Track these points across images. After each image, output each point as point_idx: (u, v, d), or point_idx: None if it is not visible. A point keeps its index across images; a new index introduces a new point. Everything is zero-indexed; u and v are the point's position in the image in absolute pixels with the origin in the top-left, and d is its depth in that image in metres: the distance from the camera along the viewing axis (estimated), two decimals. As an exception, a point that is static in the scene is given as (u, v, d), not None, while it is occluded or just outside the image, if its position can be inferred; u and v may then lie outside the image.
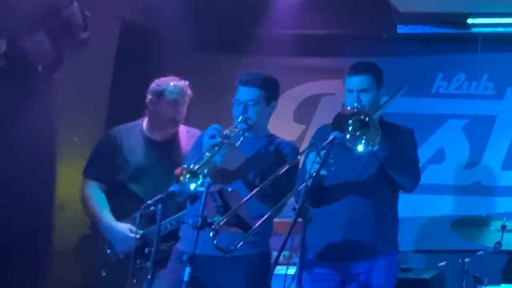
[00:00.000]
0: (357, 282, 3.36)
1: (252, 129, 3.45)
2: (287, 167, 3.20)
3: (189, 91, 3.94)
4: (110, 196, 3.90)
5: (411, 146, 3.46)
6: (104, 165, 3.89)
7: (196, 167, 3.22)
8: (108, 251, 3.84)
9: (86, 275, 3.95)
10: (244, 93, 3.45)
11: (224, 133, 3.36)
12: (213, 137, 3.32)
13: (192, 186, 3.21)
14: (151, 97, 3.92)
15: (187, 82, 3.95)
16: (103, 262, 3.82)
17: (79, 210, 4.02)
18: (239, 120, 3.42)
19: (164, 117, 3.91)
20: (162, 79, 3.95)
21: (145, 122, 3.99)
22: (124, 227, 3.79)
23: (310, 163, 3.14)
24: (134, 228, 3.75)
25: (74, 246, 3.99)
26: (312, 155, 3.15)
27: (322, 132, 3.51)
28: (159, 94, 3.89)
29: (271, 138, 3.55)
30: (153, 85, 3.93)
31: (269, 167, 3.33)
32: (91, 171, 3.93)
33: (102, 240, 3.84)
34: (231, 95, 3.55)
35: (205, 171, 3.23)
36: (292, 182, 3.34)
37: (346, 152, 3.21)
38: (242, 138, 3.39)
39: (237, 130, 3.40)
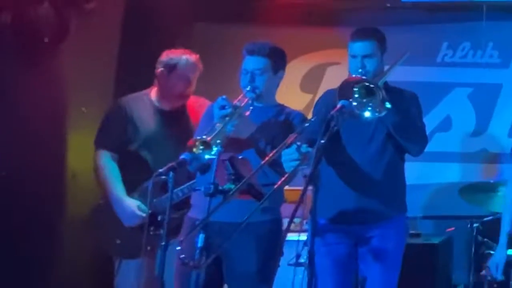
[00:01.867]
0: (368, 246, 3.38)
1: (260, 99, 3.45)
2: (294, 136, 3.18)
3: (200, 66, 3.92)
4: (122, 165, 3.89)
5: (417, 110, 3.47)
6: (115, 134, 3.88)
7: (209, 137, 3.22)
8: None
9: (101, 244, 3.96)
10: (251, 63, 3.45)
11: (234, 103, 3.35)
12: (223, 107, 3.32)
13: (207, 157, 3.21)
14: (162, 69, 3.88)
15: (198, 56, 3.93)
16: (117, 231, 3.82)
17: (91, 180, 4.02)
18: (247, 89, 3.42)
19: (174, 90, 3.89)
20: (174, 51, 3.91)
21: (153, 92, 3.97)
22: (133, 204, 3.79)
23: (287, 160, 3.11)
24: (142, 206, 3.75)
25: (88, 216, 4.00)
26: (291, 149, 3.11)
27: (326, 97, 3.52)
28: (172, 68, 3.86)
29: (281, 107, 3.55)
30: (164, 57, 3.90)
31: (280, 136, 3.34)
32: (102, 141, 3.92)
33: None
34: (236, 65, 3.55)
35: (218, 141, 3.23)
36: None
37: (354, 119, 3.20)
38: (251, 108, 3.38)
39: (246, 99, 3.39)
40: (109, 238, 3.86)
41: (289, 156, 3.12)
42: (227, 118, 3.29)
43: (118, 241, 3.83)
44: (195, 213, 3.46)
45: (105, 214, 3.86)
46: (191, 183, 3.71)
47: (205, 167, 3.35)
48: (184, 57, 3.88)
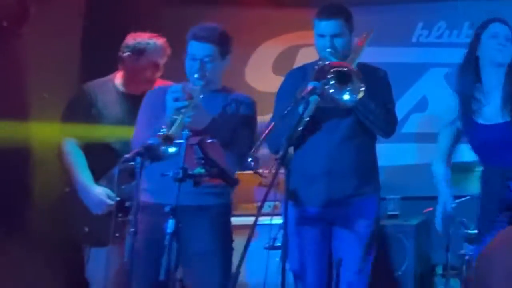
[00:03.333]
0: (342, 224, 3.34)
1: (208, 85, 3.37)
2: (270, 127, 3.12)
3: (168, 50, 3.83)
4: (89, 152, 3.79)
5: (387, 89, 3.42)
6: (80, 121, 3.77)
7: (170, 131, 3.12)
8: None
9: (70, 232, 3.86)
10: (200, 49, 3.36)
11: (188, 92, 3.26)
12: (177, 99, 3.23)
13: (171, 150, 3.11)
14: (129, 53, 3.78)
15: (165, 40, 3.84)
16: (85, 218, 3.73)
17: (56, 167, 3.91)
18: (195, 76, 3.33)
19: (142, 75, 3.79)
20: (140, 34, 3.81)
21: (118, 76, 3.87)
22: (101, 192, 3.70)
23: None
24: (111, 194, 3.66)
25: (54, 204, 3.92)
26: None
27: (292, 76, 3.46)
28: (140, 52, 3.76)
29: (228, 92, 3.48)
30: (131, 41, 3.79)
31: (232, 122, 3.31)
32: (67, 127, 3.80)
33: None
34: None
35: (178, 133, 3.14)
36: (250, 134, 3.36)
37: (334, 103, 3.15)
38: (202, 96, 3.29)
39: (197, 87, 3.30)
40: (78, 226, 3.77)
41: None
42: (183, 110, 3.19)
43: (86, 229, 3.74)
44: (156, 198, 3.35)
45: (72, 202, 3.77)
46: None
47: (155, 156, 3.26)
48: (152, 41, 3.79)
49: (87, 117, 3.77)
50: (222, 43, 3.40)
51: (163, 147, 3.09)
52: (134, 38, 3.80)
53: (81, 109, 3.78)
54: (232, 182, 3.29)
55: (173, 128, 3.13)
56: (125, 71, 3.83)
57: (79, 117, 3.78)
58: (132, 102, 3.81)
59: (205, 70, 3.35)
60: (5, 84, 3.93)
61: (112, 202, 3.64)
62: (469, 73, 3.31)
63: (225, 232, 3.39)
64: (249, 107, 3.44)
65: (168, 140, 3.11)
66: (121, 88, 3.85)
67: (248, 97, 3.51)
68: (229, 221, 3.45)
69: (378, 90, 3.32)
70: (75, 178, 3.74)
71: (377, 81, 3.37)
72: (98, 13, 4.59)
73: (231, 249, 3.33)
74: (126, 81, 3.84)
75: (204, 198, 3.29)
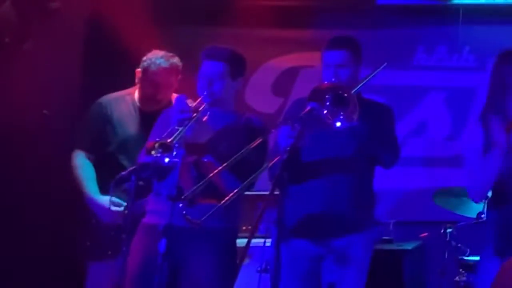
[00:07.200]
0: (335, 254, 3.28)
1: (218, 104, 3.36)
2: (260, 140, 3.14)
3: (176, 59, 3.79)
4: (99, 167, 3.78)
5: (390, 123, 3.38)
6: (92, 135, 3.77)
7: (169, 140, 3.13)
8: (93, 221, 3.75)
9: (73, 246, 3.85)
10: (209, 67, 3.36)
11: (193, 106, 3.27)
12: (182, 111, 3.24)
13: (166, 160, 3.12)
14: (139, 69, 3.80)
15: (176, 56, 3.82)
16: (88, 233, 3.73)
17: (61, 180, 3.90)
18: (204, 94, 3.33)
19: (159, 88, 3.75)
20: (155, 52, 3.81)
21: (136, 92, 3.89)
22: (106, 200, 3.65)
23: (283, 138, 3.07)
24: (116, 200, 3.62)
25: (59, 218, 3.94)
26: (285, 129, 3.06)
27: (297, 104, 3.41)
28: (147, 67, 3.76)
29: (239, 113, 3.47)
30: (144, 58, 3.79)
31: (239, 140, 3.26)
32: (78, 141, 3.81)
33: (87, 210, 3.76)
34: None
35: (177, 145, 3.13)
36: (261, 157, 3.29)
37: (325, 127, 3.11)
38: (208, 113, 3.30)
39: (204, 104, 3.30)
40: (81, 240, 3.76)
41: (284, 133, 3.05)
42: (186, 122, 3.19)
43: (88, 243, 3.73)
44: (153, 218, 3.32)
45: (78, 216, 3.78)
46: None
47: (161, 174, 3.25)
48: (164, 57, 3.77)
49: (100, 131, 3.76)
50: (233, 62, 3.38)
51: (158, 155, 3.08)
52: (147, 56, 3.80)
53: (95, 123, 3.78)
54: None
55: (172, 138, 3.12)
56: (141, 86, 3.82)
57: (91, 131, 3.78)
58: (146, 119, 3.74)
59: (213, 87, 3.34)
60: (6, 100, 3.94)
61: (118, 209, 3.60)
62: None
63: (229, 258, 3.28)
64: (261, 127, 3.38)
65: (164, 148, 3.10)
66: (138, 104, 3.84)
67: (258, 118, 3.46)
68: (234, 246, 3.33)
69: (379, 121, 3.29)
70: (82, 190, 3.74)
71: (378, 113, 3.34)
72: (99, 30, 4.59)
73: (234, 275, 3.13)
74: (141, 96, 3.84)
75: (208, 220, 3.17)
